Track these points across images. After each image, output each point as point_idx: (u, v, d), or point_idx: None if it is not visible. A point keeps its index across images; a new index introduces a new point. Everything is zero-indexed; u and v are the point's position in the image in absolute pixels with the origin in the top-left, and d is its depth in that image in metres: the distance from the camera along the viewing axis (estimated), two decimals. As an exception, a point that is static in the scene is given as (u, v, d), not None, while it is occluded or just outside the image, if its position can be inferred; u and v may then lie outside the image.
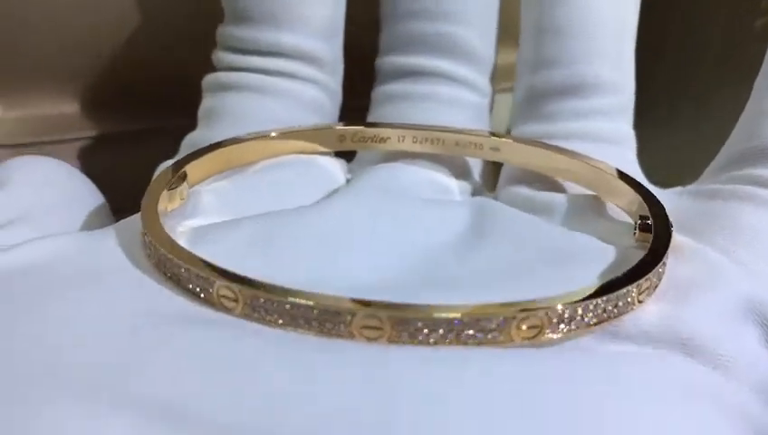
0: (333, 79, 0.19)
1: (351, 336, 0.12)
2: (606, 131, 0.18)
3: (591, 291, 0.12)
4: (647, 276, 0.13)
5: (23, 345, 0.12)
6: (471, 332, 0.12)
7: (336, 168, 0.18)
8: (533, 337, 0.12)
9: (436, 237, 0.15)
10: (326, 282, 0.12)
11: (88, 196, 0.18)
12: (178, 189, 0.16)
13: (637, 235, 0.15)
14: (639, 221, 0.15)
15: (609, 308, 0.13)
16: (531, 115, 0.19)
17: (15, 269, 0.13)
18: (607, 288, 0.13)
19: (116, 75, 0.23)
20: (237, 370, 0.11)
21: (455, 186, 0.18)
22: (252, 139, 0.18)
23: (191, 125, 0.19)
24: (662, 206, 0.15)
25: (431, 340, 0.12)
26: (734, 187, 0.16)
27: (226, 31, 0.19)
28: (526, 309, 0.12)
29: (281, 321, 0.12)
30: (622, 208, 0.16)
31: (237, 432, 0.10)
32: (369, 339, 0.12)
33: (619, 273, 0.13)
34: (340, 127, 0.18)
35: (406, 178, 0.18)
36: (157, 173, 0.17)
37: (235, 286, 0.12)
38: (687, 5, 0.24)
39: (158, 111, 0.23)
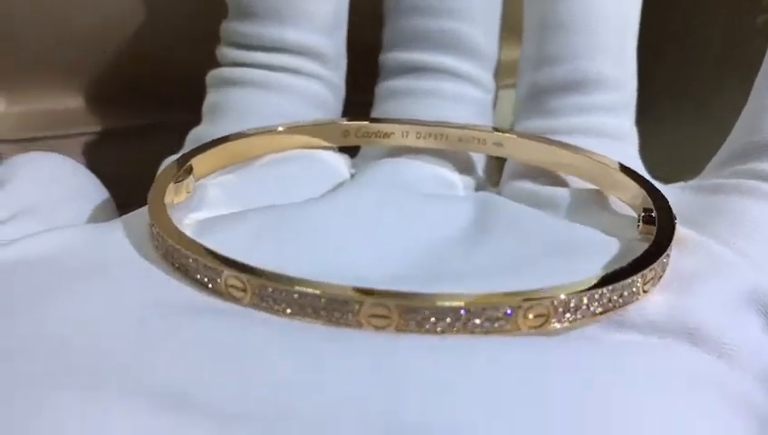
0: (336, 74, 0.20)
1: (359, 325, 0.12)
2: (608, 127, 0.19)
3: (597, 280, 0.12)
4: (651, 266, 0.13)
5: (31, 335, 0.12)
6: (478, 321, 0.12)
7: (340, 162, 0.18)
8: (540, 326, 0.12)
9: (440, 232, 0.16)
10: (331, 274, 0.13)
11: (93, 191, 0.18)
12: (184, 182, 0.16)
13: (640, 227, 0.15)
14: (643, 214, 0.15)
15: (615, 298, 0.13)
16: (534, 111, 0.19)
17: (23, 261, 0.13)
18: (612, 278, 0.13)
19: (120, 70, 0.23)
20: (245, 359, 0.11)
21: (458, 181, 0.18)
22: (256, 133, 0.18)
23: (196, 120, 0.19)
24: (665, 198, 0.15)
25: (438, 329, 0.12)
26: (736, 181, 0.16)
27: (230, 27, 0.19)
28: (532, 298, 0.12)
29: (289, 310, 0.12)
30: (625, 202, 0.17)
31: (245, 421, 0.10)
32: (376, 328, 0.12)
33: (624, 264, 0.13)
34: (344, 122, 0.19)
35: (410, 173, 0.18)
36: (162, 168, 0.17)
37: (244, 276, 0.12)
38: (688, 2, 0.24)
39: (162, 107, 0.23)
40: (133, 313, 0.12)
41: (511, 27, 0.20)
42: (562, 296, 0.12)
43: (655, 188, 0.16)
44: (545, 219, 0.16)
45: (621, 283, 0.13)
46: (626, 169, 0.17)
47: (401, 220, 0.16)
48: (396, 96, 0.19)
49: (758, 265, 0.14)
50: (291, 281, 0.12)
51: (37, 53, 0.22)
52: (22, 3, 0.21)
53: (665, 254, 0.13)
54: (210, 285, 0.13)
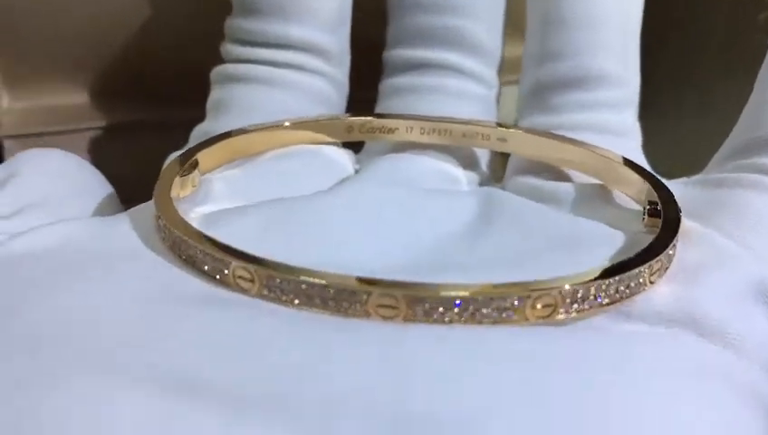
0: (340, 71, 0.20)
1: (367, 315, 0.12)
2: (611, 123, 0.19)
3: (604, 271, 0.13)
4: (658, 257, 0.13)
5: (41, 323, 0.12)
6: (486, 311, 0.12)
7: (345, 158, 0.18)
8: (547, 317, 0.12)
9: (444, 226, 0.16)
10: (336, 266, 0.13)
11: (98, 187, 0.18)
12: (190, 176, 0.16)
13: (645, 220, 0.15)
14: (648, 206, 0.15)
15: (622, 289, 0.13)
16: (537, 107, 0.19)
17: (31, 252, 0.13)
18: (619, 268, 0.13)
19: (125, 66, 0.23)
20: (254, 346, 0.11)
21: (462, 176, 0.18)
22: (260, 129, 0.18)
23: (200, 117, 0.19)
24: (670, 191, 0.15)
25: (446, 319, 0.12)
26: (739, 175, 0.16)
27: (235, 23, 0.19)
28: (540, 288, 0.12)
29: (297, 301, 0.12)
30: (630, 197, 0.17)
31: (254, 407, 0.10)
32: (384, 318, 0.12)
33: (630, 255, 0.13)
34: (349, 118, 0.19)
35: (414, 169, 0.18)
36: (167, 163, 0.17)
37: (252, 267, 0.12)
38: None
39: (167, 103, 0.23)
40: (142, 301, 0.12)
41: (514, 24, 0.20)
42: (570, 286, 0.12)
43: (659, 180, 0.16)
44: (549, 213, 0.16)
45: (628, 273, 0.13)
46: (630, 163, 0.17)
47: (406, 214, 0.16)
48: (400, 93, 0.20)
49: (762, 257, 0.14)
50: (299, 271, 0.12)
51: (41, 48, 0.22)
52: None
53: (671, 245, 0.13)
54: (217, 277, 0.13)
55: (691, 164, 0.18)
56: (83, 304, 0.12)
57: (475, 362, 0.11)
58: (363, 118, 0.19)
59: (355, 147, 0.19)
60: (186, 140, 0.19)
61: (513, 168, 0.19)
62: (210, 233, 0.14)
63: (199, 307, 0.12)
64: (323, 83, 0.19)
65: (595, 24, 0.19)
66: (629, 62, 0.19)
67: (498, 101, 0.20)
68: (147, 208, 0.15)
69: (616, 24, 0.19)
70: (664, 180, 0.17)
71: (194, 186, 0.16)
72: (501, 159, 0.20)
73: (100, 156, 0.23)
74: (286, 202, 0.15)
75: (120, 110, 0.24)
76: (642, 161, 0.18)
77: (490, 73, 0.20)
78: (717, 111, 0.18)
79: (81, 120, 0.23)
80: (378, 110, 0.20)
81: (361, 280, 0.12)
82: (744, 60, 0.18)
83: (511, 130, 0.18)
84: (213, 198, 0.16)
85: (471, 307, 0.12)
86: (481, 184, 0.19)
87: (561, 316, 0.12)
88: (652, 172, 0.17)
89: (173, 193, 0.15)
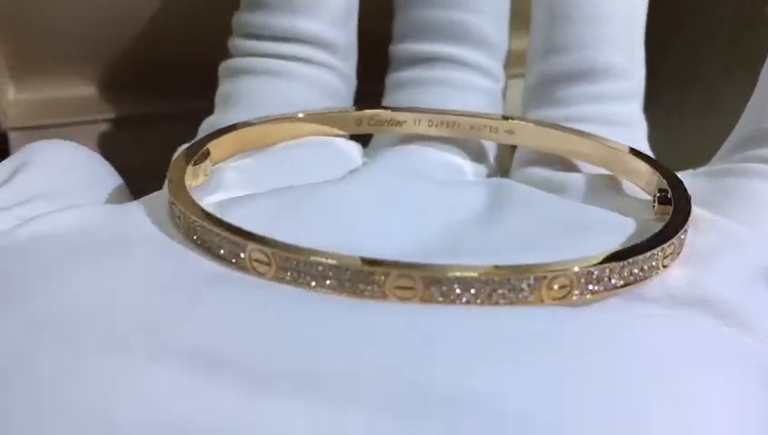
0: (348, 64, 0.20)
1: (384, 297, 0.12)
2: (618, 115, 0.19)
3: (619, 253, 0.13)
4: (671, 241, 0.13)
5: (56, 304, 0.12)
6: (502, 291, 0.12)
7: (354, 150, 0.18)
8: (563, 298, 0.12)
9: (454, 213, 0.16)
10: (348, 251, 0.13)
11: (107, 178, 0.18)
12: (202, 166, 0.16)
13: (656, 207, 0.15)
14: (659, 194, 0.15)
15: (635, 271, 0.13)
16: (543, 100, 0.19)
17: (43, 236, 0.13)
18: (633, 251, 0.13)
19: (132, 58, 0.23)
20: (271, 324, 0.11)
21: (470, 168, 0.18)
22: (270, 121, 0.18)
23: (209, 108, 0.19)
24: (679, 178, 0.15)
25: (463, 299, 0.12)
26: (745, 165, 0.16)
27: (243, 18, 0.19)
28: (556, 269, 0.12)
29: (313, 283, 0.12)
30: (639, 187, 0.17)
31: (274, 382, 0.11)
32: (401, 299, 0.12)
33: (642, 240, 0.13)
34: (357, 110, 0.19)
35: (422, 160, 0.18)
36: (177, 153, 0.17)
37: (268, 249, 0.12)
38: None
39: (174, 94, 0.23)
40: (158, 282, 0.12)
41: (519, 17, 0.20)
42: (585, 268, 0.12)
43: (668, 169, 0.16)
44: (560, 202, 0.16)
45: (642, 256, 0.13)
46: (638, 153, 0.17)
47: (416, 202, 0.16)
48: (406, 86, 0.20)
49: None
50: (316, 253, 0.12)
51: (47, 40, 0.22)
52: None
53: (683, 229, 0.14)
54: (233, 260, 0.13)
55: (697, 159, 0.18)
56: (99, 285, 0.12)
57: (493, 340, 0.11)
58: (372, 110, 0.19)
59: (362, 141, 0.19)
60: (194, 132, 0.19)
61: (520, 159, 0.19)
62: (224, 218, 0.14)
63: (216, 287, 0.12)
64: (331, 76, 0.19)
65: (600, 17, 0.19)
66: (635, 54, 0.19)
67: (504, 95, 0.20)
68: (159, 196, 0.15)
69: (621, 16, 0.19)
70: (671, 171, 0.17)
71: (206, 175, 0.16)
72: (508, 152, 0.20)
73: (108, 148, 0.24)
74: (296, 189, 0.16)
75: (128, 102, 0.24)
76: (648, 152, 0.18)
77: (496, 67, 0.20)
78: (723, 105, 0.18)
79: (88, 113, 0.23)
80: (385, 103, 0.20)
81: (379, 261, 0.12)
82: (751, 54, 0.18)
83: (518, 122, 0.18)
84: (225, 186, 0.16)
85: (488, 288, 0.12)
86: (488, 176, 0.19)
87: (575, 298, 0.12)
88: (660, 162, 0.17)
89: (185, 182, 0.15)
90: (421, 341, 0.11)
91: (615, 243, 0.14)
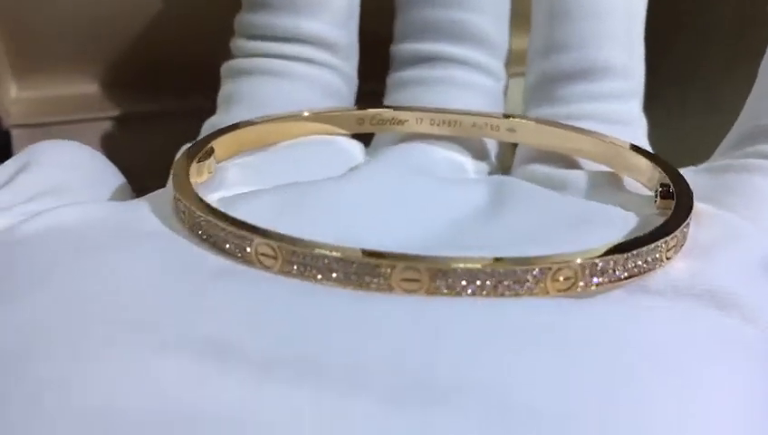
0: (349, 64, 0.20)
1: (390, 289, 0.12)
2: (618, 113, 0.19)
3: (623, 244, 0.13)
4: (674, 234, 0.13)
5: (66, 293, 0.12)
6: (507, 283, 0.12)
7: (356, 148, 0.19)
8: (568, 289, 0.12)
9: (457, 208, 0.16)
10: (354, 245, 0.13)
11: (111, 177, 0.18)
12: (206, 163, 0.16)
13: (658, 202, 0.15)
14: (660, 189, 0.15)
15: (639, 263, 0.13)
16: (543, 98, 0.19)
17: (51, 229, 0.14)
18: (637, 243, 0.13)
19: (134, 56, 0.23)
20: (278, 314, 0.12)
21: (472, 166, 0.19)
22: (272, 120, 0.18)
23: (211, 107, 0.19)
24: (680, 173, 0.15)
25: (469, 291, 0.12)
26: (745, 161, 0.16)
27: (245, 19, 0.20)
28: (562, 260, 0.12)
29: (320, 276, 0.12)
30: (641, 183, 0.17)
31: (281, 370, 0.11)
32: (407, 291, 0.12)
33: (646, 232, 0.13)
34: (359, 109, 0.19)
35: (424, 158, 0.18)
36: (180, 152, 0.17)
37: (275, 243, 0.12)
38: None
39: (177, 93, 0.23)
40: (164, 272, 0.12)
41: (519, 16, 0.20)
42: (590, 259, 0.12)
43: (669, 164, 0.16)
44: (562, 197, 0.16)
45: (646, 248, 0.13)
46: (639, 150, 0.17)
47: (419, 198, 0.16)
48: (408, 85, 0.20)
49: None
50: (322, 246, 0.12)
51: (49, 38, 0.23)
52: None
53: (686, 222, 0.14)
54: (239, 254, 0.13)
55: (697, 158, 0.18)
56: (105, 277, 0.12)
57: (499, 332, 0.12)
58: (374, 109, 0.19)
59: (364, 141, 0.19)
60: (196, 131, 0.19)
61: (521, 157, 0.19)
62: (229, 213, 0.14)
63: (223, 279, 0.12)
64: (333, 76, 0.19)
65: (600, 15, 0.19)
66: (634, 52, 0.19)
67: (505, 94, 0.21)
68: (163, 193, 0.15)
69: (620, 15, 0.19)
70: (671, 167, 0.17)
71: (210, 172, 0.16)
72: (509, 150, 0.20)
73: (110, 146, 0.24)
74: (300, 186, 0.16)
75: (130, 100, 0.24)
76: (649, 150, 0.18)
77: (497, 66, 0.20)
78: (723, 104, 0.18)
79: (90, 111, 0.24)
80: (386, 102, 0.20)
81: (385, 254, 0.12)
82: (751, 53, 0.18)
83: (520, 120, 0.19)
84: (228, 183, 0.16)
85: (493, 280, 0.12)
86: (490, 174, 0.19)
87: (580, 289, 0.12)
88: (661, 157, 0.17)
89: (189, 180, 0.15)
90: (427, 332, 0.11)
91: (618, 236, 0.14)
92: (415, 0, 0.20)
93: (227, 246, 0.13)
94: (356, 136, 0.19)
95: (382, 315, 0.12)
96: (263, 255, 0.13)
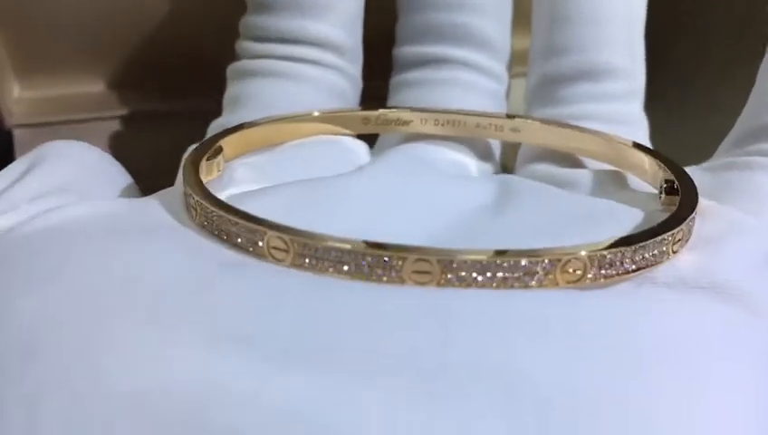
0: (354, 66, 0.20)
1: (402, 282, 0.12)
2: (619, 114, 0.19)
3: (631, 237, 0.13)
4: (679, 227, 0.13)
5: (82, 280, 0.12)
6: (518, 275, 0.12)
7: (361, 148, 0.19)
8: (577, 281, 0.12)
9: (463, 205, 0.16)
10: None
11: (118, 177, 0.18)
12: (215, 161, 0.16)
13: (662, 198, 0.15)
14: (665, 185, 0.15)
15: (647, 256, 0.13)
16: (545, 99, 0.20)
17: (64, 223, 0.14)
18: (645, 235, 0.13)
19: (139, 56, 0.23)
20: (291, 303, 0.12)
21: (476, 167, 0.19)
22: (278, 121, 0.18)
23: (215, 107, 0.19)
24: (684, 169, 0.16)
25: (479, 282, 0.12)
26: (747, 159, 0.17)
27: (250, 21, 0.20)
28: (570, 253, 0.12)
29: (331, 269, 0.12)
30: (645, 181, 0.17)
31: (295, 358, 0.11)
32: (418, 283, 0.12)
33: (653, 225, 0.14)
34: (364, 110, 0.19)
35: (428, 158, 0.18)
36: (188, 151, 0.17)
37: (287, 236, 0.13)
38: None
39: (181, 93, 0.23)
40: (178, 262, 0.12)
41: (521, 17, 0.21)
42: (599, 251, 0.12)
43: (672, 161, 0.16)
44: (567, 194, 0.16)
45: (653, 240, 0.13)
46: (642, 148, 0.17)
47: (426, 194, 0.16)
48: (411, 87, 0.20)
49: None
50: (334, 239, 0.12)
51: (52, 38, 0.23)
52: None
53: (691, 216, 0.14)
54: (251, 249, 0.13)
55: (699, 158, 0.18)
56: (119, 269, 0.12)
57: (510, 322, 0.12)
58: (378, 110, 0.19)
59: (369, 142, 0.20)
60: (202, 131, 0.19)
61: (524, 156, 0.19)
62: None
63: (235, 270, 0.12)
64: (338, 78, 0.20)
65: (600, 18, 0.19)
66: (635, 54, 0.20)
67: (508, 95, 0.21)
68: (172, 191, 0.15)
69: (621, 17, 0.19)
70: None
71: (219, 171, 0.16)
72: (512, 151, 0.20)
73: (114, 146, 0.24)
74: (307, 182, 0.16)
75: (134, 100, 0.24)
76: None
77: (499, 68, 0.20)
78: (724, 106, 0.18)
79: (93, 110, 0.24)
80: (389, 104, 0.20)
81: (396, 246, 0.12)
82: (751, 54, 0.18)
83: (523, 120, 0.19)
84: (237, 181, 0.16)
85: (503, 272, 0.12)
86: (494, 174, 0.19)
87: (589, 281, 0.13)
88: (664, 155, 0.17)
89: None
90: (438, 323, 0.12)
91: (625, 231, 0.14)
92: (418, 4, 0.20)
93: (239, 240, 0.13)
94: (360, 137, 0.19)
95: (394, 307, 0.12)
96: (274, 248, 0.13)
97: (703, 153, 0.19)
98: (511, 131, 0.19)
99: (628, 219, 0.15)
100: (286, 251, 0.13)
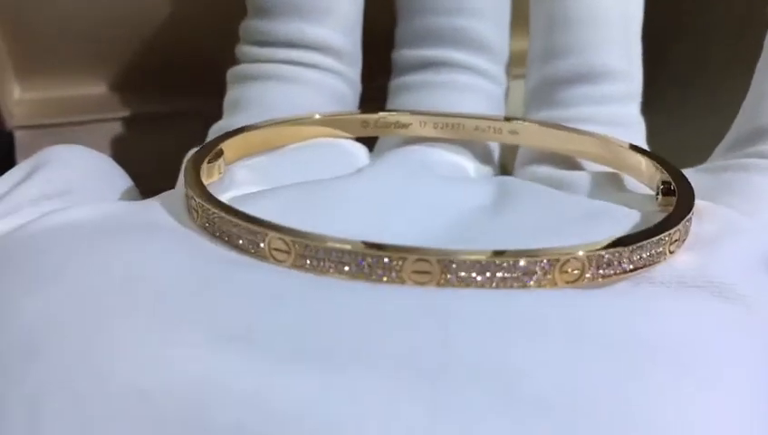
0: (354, 69, 0.20)
1: (402, 282, 0.12)
2: (616, 116, 0.19)
3: (628, 237, 0.13)
4: (676, 227, 0.14)
5: (83, 288, 0.12)
6: (517, 274, 0.12)
7: (360, 151, 0.19)
8: (575, 281, 0.13)
9: (462, 206, 0.16)
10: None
11: (119, 181, 0.18)
12: (216, 164, 0.16)
13: (659, 199, 0.16)
14: (662, 186, 0.16)
15: (644, 256, 0.13)
16: (544, 102, 0.20)
17: (67, 223, 0.14)
18: (642, 235, 0.13)
19: (139, 58, 0.23)
20: (291, 301, 0.12)
21: (475, 169, 0.19)
22: (278, 124, 0.18)
23: (216, 108, 0.20)
24: (680, 171, 0.16)
25: (479, 282, 0.12)
26: (743, 161, 0.17)
27: (250, 25, 0.20)
28: (569, 252, 0.12)
29: (332, 270, 0.13)
30: (642, 182, 0.17)
31: (295, 356, 0.11)
32: (418, 284, 0.12)
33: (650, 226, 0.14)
34: (364, 113, 0.19)
35: (428, 159, 0.18)
36: (188, 155, 0.18)
37: (288, 237, 0.13)
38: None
39: (184, 94, 0.23)
40: (180, 261, 0.13)
41: (522, 18, 0.21)
42: (597, 251, 0.13)
43: (669, 162, 0.16)
44: (565, 196, 0.17)
45: (650, 240, 0.13)
46: (638, 149, 0.17)
47: (426, 195, 0.16)
48: (410, 89, 0.20)
49: None
50: (334, 240, 0.13)
51: (52, 39, 0.23)
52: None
53: (688, 216, 0.14)
54: (253, 250, 0.13)
55: (699, 159, 0.18)
56: (120, 269, 0.12)
57: (509, 322, 0.12)
58: (378, 113, 0.19)
59: (368, 145, 0.20)
60: (203, 133, 0.19)
61: (523, 159, 0.20)
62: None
63: (237, 269, 0.13)
64: (338, 82, 0.20)
65: (597, 21, 0.19)
66: (632, 56, 0.20)
67: (506, 98, 0.21)
68: (173, 194, 0.15)
69: (618, 20, 0.20)
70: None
71: (219, 173, 0.16)
72: (511, 153, 0.20)
73: (114, 147, 0.24)
74: (307, 185, 0.16)
75: (135, 102, 0.24)
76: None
77: (498, 71, 0.20)
78: (724, 107, 0.18)
79: (93, 112, 0.24)
80: (388, 107, 0.20)
81: (396, 247, 0.12)
82: (752, 54, 0.19)
83: (522, 122, 0.19)
84: (238, 183, 0.16)
85: (503, 271, 0.12)
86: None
87: (587, 281, 0.13)
88: (660, 156, 0.17)
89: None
90: (438, 322, 0.12)
91: (622, 231, 0.14)
92: (417, 7, 0.20)
93: (240, 241, 0.13)
94: (360, 140, 0.19)
95: (394, 307, 0.12)
96: (276, 250, 0.13)
97: (704, 154, 0.19)
98: (509, 134, 0.19)
99: (626, 220, 0.15)
100: (287, 252, 0.13)
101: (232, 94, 0.20)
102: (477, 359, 0.11)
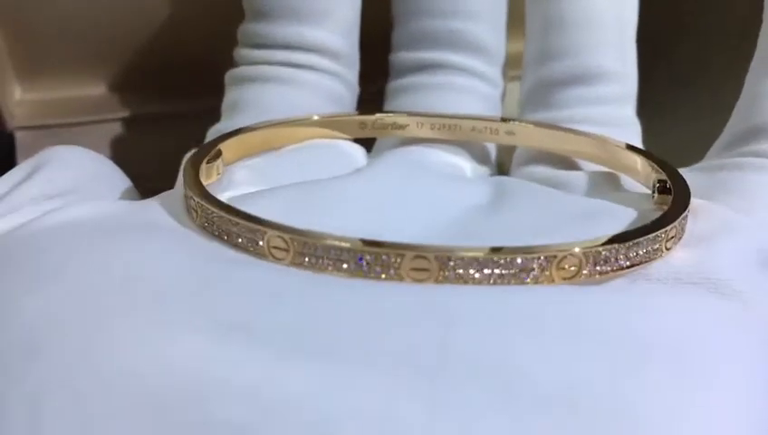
0: (351, 71, 0.20)
1: (400, 279, 0.12)
2: (612, 117, 0.19)
3: (625, 234, 0.13)
4: (673, 224, 0.14)
5: (83, 287, 0.12)
6: (515, 271, 0.12)
7: (358, 152, 0.19)
8: (572, 277, 0.13)
9: (459, 205, 0.16)
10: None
11: (118, 182, 0.18)
12: (215, 165, 0.16)
13: (655, 197, 0.16)
14: (658, 184, 0.16)
15: (641, 253, 0.13)
16: (539, 103, 0.20)
17: (67, 222, 0.14)
18: (639, 232, 0.13)
19: (139, 59, 0.23)
20: (291, 297, 0.12)
21: (472, 170, 0.19)
22: (276, 125, 0.18)
23: (215, 109, 0.20)
24: (676, 169, 0.16)
25: (476, 279, 0.12)
26: (738, 159, 0.17)
27: (249, 28, 0.20)
28: (566, 249, 0.13)
29: (330, 267, 0.13)
30: (638, 181, 0.17)
31: (295, 351, 0.11)
32: (417, 281, 0.12)
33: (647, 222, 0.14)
34: (361, 114, 0.19)
35: (425, 159, 0.18)
36: (186, 157, 0.18)
37: (287, 235, 0.13)
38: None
39: (184, 95, 0.23)
40: (180, 259, 0.13)
41: (518, 20, 0.21)
42: (595, 248, 0.13)
43: (664, 161, 0.16)
44: (563, 195, 0.17)
45: (647, 237, 0.13)
46: (634, 149, 0.17)
47: (424, 195, 0.16)
48: (407, 91, 0.20)
49: (765, 226, 0.15)
50: (333, 238, 0.13)
51: (53, 40, 0.23)
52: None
53: (684, 213, 0.14)
54: (252, 248, 0.13)
55: (696, 161, 0.18)
56: (120, 267, 0.12)
57: (507, 318, 0.12)
58: (375, 115, 0.19)
59: (365, 146, 0.20)
60: (202, 133, 0.19)
61: (519, 159, 0.20)
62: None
63: (236, 268, 0.13)
64: (336, 83, 0.20)
65: (592, 24, 0.20)
66: (627, 58, 0.20)
67: (503, 99, 0.21)
68: (173, 193, 0.16)
69: (612, 22, 0.20)
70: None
71: (218, 174, 0.16)
72: (507, 154, 0.20)
73: (114, 148, 0.24)
74: (306, 185, 0.16)
75: (135, 102, 0.24)
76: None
77: (495, 73, 0.21)
78: (726, 106, 0.19)
79: (94, 112, 0.24)
80: (386, 109, 0.20)
81: (394, 244, 0.12)
82: (751, 57, 0.19)
83: (519, 123, 0.19)
84: (236, 184, 0.16)
85: (500, 268, 0.12)
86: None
87: (584, 277, 0.13)
88: (656, 155, 0.17)
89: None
90: (437, 319, 0.12)
91: (619, 228, 0.15)
92: (413, 10, 0.20)
93: (240, 240, 0.13)
94: (358, 141, 0.19)
95: (392, 304, 0.12)
96: (275, 247, 0.13)
97: (704, 154, 0.19)
98: (506, 135, 0.19)
99: (623, 218, 0.15)
100: (286, 250, 0.13)
101: (230, 96, 0.20)
102: (476, 356, 0.11)
